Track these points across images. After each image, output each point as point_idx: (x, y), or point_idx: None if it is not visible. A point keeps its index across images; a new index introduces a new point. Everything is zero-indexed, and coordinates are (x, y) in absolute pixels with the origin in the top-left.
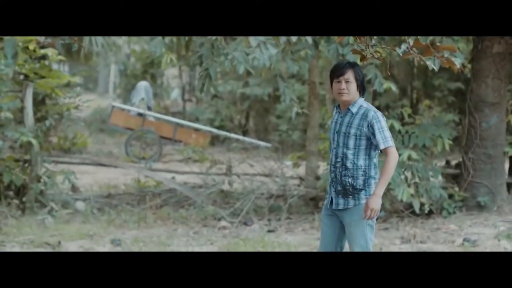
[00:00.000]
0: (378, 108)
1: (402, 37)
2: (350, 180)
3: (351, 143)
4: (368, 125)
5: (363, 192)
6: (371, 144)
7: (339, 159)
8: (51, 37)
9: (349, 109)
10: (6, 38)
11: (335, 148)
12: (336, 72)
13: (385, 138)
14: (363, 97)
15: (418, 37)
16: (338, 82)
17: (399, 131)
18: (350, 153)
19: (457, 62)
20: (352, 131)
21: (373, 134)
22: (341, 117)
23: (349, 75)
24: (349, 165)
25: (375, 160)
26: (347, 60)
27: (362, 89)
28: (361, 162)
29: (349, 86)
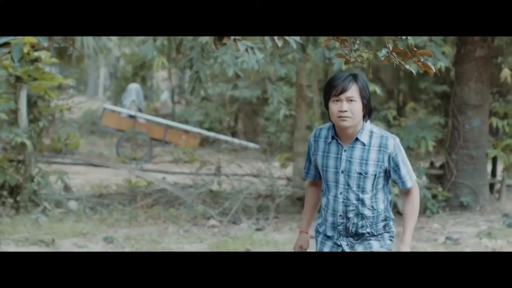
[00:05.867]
0: None
1: (386, 41)
2: (368, 229)
3: (369, 184)
4: (389, 158)
5: (386, 234)
6: (388, 179)
7: (352, 208)
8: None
9: (358, 139)
10: (13, 42)
11: (341, 192)
12: (335, 88)
13: (410, 172)
14: (367, 120)
15: (396, 42)
16: (338, 101)
17: None
18: (367, 197)
19: (433, 66)
20: (370, 169)
21: (396, 169)
22: (345, 150)
23: (353, 91)
24: (367, 212)
25: (390, 196)
26: (348, 71)
27: (368, 111)
28: (381, 205)
29: (353, 107)
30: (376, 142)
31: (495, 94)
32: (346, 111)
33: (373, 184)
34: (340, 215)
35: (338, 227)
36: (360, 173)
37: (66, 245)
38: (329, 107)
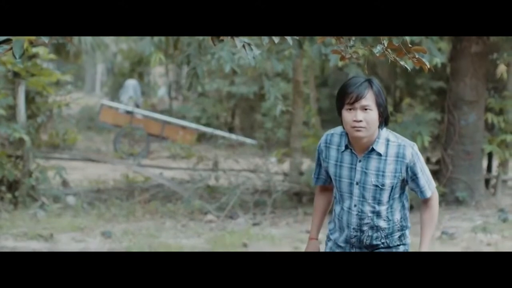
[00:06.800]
0: None
1: (381, 38)
2: (383, 240)
3: (385, 196)
4: (407, 169)
5: (401, 247)
6: (404, 186)
7: (367, 220)
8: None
9: (373, 149)
10: (14, 39)
11: (356, 205)
12: (350, 95)
13: (429, 180)
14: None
15: (391, 38)
16: (352, 109)
17: None
18: (383, 209)
19: (429, 62)
20: (387, 181)
21: (415, 179)
22: (359, 161)
23: (369, 99)
24: (382, 224)
25: (407, 202)
26: (362, 75)
27: (385, 118)
28: (397, 215)
29: (368, 116)
30: (393, 151)
31: (490, 90)
32: (361, 121)
33: (390, 195)
34: (353, 228)
35: (351, 240)
36: (377, 185)
37: (64, 240)
38: (342, 115)
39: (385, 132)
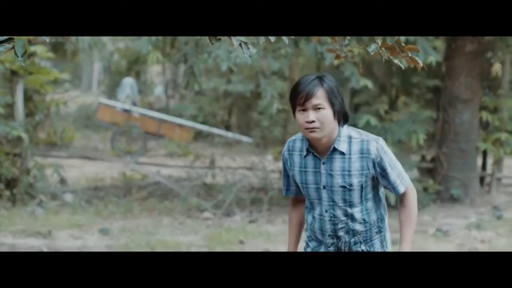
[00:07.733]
0: (357, 105)
1: (376, 37)
2: (363, 246)
3: (356, 196)
4: (374, 165)
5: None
6: (377, 185)
7: (341, 225)
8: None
9: (335, 149)
10: (16, 38)
11: (327, 210)
12: (299, 95)
13: (400, 175)
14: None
15: (386, 37)
16: (304, 110)
17: (376, 127)
18: (357, 211)
19: (423, 61)
20: (355, 180)
21: (385, 175)
22: (323, 163)
23: (320, 98)
24: (358, 227)
25: (384, 200)
26: (313, 74)
27: (342, 115)
28: (373, 216)
29: (321, 115)
30: (357, 148)
31: (485, 88)
32: (313, 121)
33: (361, 195)
34: (329, 235)
35: (329, 249)
36: (344, 186)
37: (63, 237)
38: (296, 116)
39: (346, 130)
